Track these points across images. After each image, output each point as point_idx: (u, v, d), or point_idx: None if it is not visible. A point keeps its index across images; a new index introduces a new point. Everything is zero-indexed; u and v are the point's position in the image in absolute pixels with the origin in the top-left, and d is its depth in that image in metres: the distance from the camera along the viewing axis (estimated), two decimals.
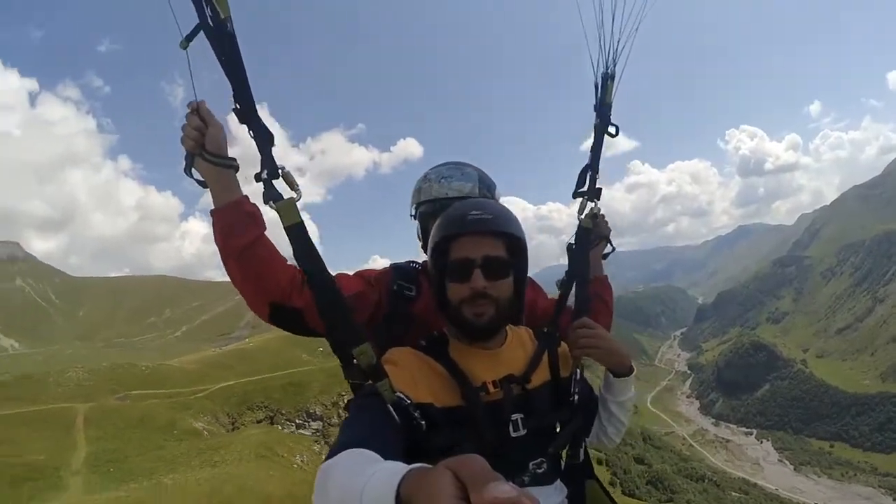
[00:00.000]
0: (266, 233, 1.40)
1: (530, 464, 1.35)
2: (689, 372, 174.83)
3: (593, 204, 1.84)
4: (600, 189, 1.82)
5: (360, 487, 0.73)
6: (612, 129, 1.81)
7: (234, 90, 1.27)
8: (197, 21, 1.27)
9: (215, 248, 1.38)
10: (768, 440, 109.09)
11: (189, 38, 1.27)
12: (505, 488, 0.52)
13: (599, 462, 60.19)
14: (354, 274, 1.63)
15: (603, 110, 1.80)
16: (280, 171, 1.31)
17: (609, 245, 2.03)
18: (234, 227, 1.34)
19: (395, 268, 1.67)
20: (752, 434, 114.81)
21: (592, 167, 1.81)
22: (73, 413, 28.33)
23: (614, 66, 1.78)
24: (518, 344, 1.50)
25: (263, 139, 1.30)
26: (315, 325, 1.40)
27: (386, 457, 0.92)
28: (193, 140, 1.33)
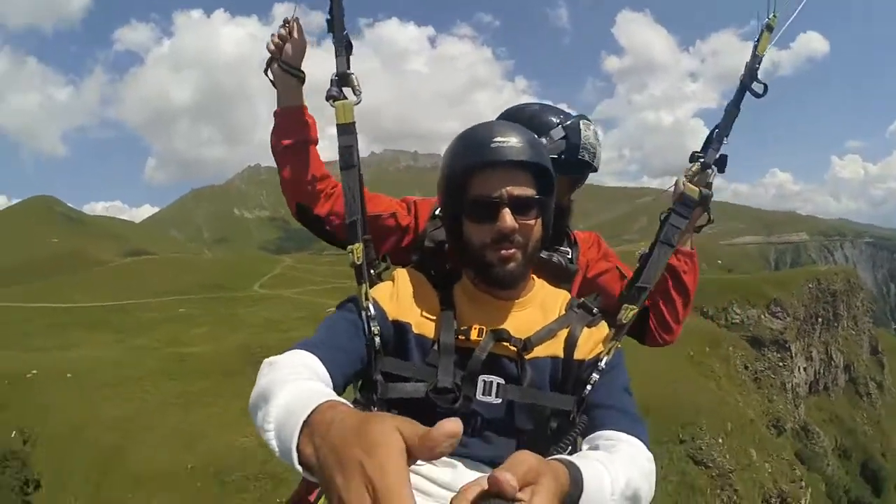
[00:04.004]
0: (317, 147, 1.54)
1: (498, 450, 1.09)
2: None
3: (711, 172, 1.46)
4: (725, 157, 1.49)
5: (276, 395, 0.74)
6: (757, 88, 1.49)
7: (330, 6, 1.39)
8: None
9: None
10: None
11: None
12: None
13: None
14: (402, 199, 1.65)
15: (752, 63, 1.47)
16: (348, 75, 1.37)
17: (706, 215, 1.52)
18: (286, 128, 1.49)
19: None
20: None
21: (722, 129, 1.48)
22: None
23: (775, 17, 1.48)
24: (539, 305, 1.24)
25: (341, 46, 1.39)
26: (335, 233, 1.49)
27: (332, 367, 0.93)
28: (275, 46, 1.46)
